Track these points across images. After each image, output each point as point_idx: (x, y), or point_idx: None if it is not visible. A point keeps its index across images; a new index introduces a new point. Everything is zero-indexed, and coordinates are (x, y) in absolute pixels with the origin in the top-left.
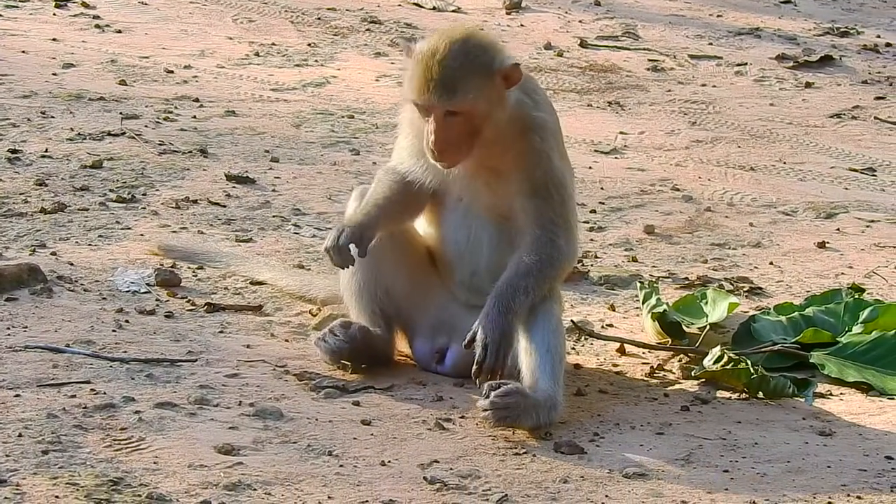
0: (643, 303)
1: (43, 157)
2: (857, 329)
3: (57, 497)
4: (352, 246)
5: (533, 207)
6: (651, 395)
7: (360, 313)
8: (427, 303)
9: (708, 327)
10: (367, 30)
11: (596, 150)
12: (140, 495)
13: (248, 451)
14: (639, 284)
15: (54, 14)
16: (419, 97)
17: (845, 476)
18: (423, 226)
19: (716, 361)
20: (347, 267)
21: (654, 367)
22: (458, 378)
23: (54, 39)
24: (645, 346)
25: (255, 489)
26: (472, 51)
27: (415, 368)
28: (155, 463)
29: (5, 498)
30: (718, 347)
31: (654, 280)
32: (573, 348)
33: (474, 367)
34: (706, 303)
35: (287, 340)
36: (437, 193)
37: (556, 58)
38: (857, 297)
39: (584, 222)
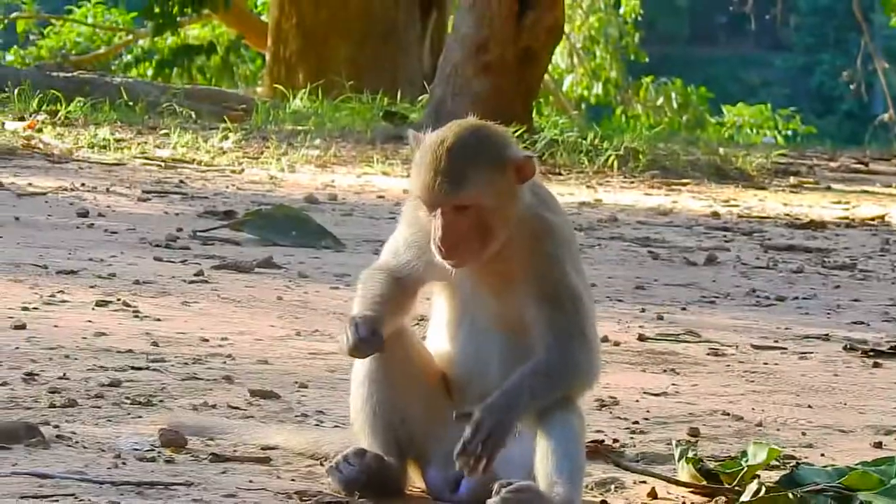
0: (678, 458)
1: (60, 378)
2: None
3: None
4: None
5: (545, 317)
6: None
7: (373, 441)
8: (442, 430)
9: (746, 469)
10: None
11: (645, 392)
12: None
13: None
14: (674, 442)
15: (93, 309)
16: (425, 190)
17: None
18: (433, 345)
19: (754, 495)
20: (370, 355)
21: None
22: None
23: (89, 321)
24: (680, 483)
25: None
26: (483, 140)
27: (427, 499)
28: None
29: None
30: (755, 482)
31: (691, 441)
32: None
33: (458, 445)
34: (746, 458)
35: (293, 480)
36: (444, 308)
37: (612, 347)
38: None
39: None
